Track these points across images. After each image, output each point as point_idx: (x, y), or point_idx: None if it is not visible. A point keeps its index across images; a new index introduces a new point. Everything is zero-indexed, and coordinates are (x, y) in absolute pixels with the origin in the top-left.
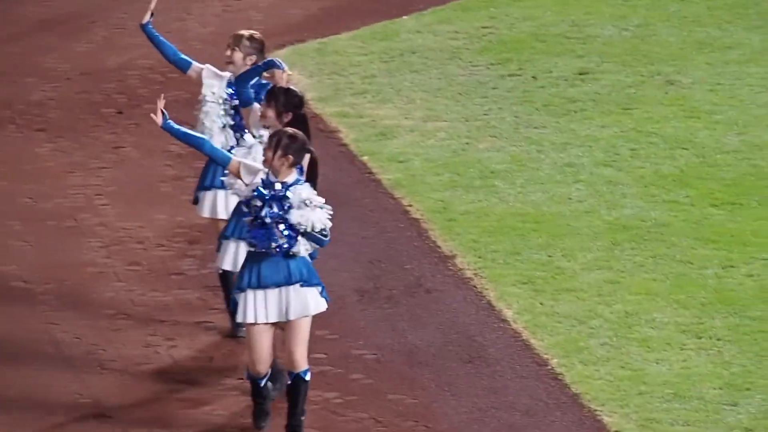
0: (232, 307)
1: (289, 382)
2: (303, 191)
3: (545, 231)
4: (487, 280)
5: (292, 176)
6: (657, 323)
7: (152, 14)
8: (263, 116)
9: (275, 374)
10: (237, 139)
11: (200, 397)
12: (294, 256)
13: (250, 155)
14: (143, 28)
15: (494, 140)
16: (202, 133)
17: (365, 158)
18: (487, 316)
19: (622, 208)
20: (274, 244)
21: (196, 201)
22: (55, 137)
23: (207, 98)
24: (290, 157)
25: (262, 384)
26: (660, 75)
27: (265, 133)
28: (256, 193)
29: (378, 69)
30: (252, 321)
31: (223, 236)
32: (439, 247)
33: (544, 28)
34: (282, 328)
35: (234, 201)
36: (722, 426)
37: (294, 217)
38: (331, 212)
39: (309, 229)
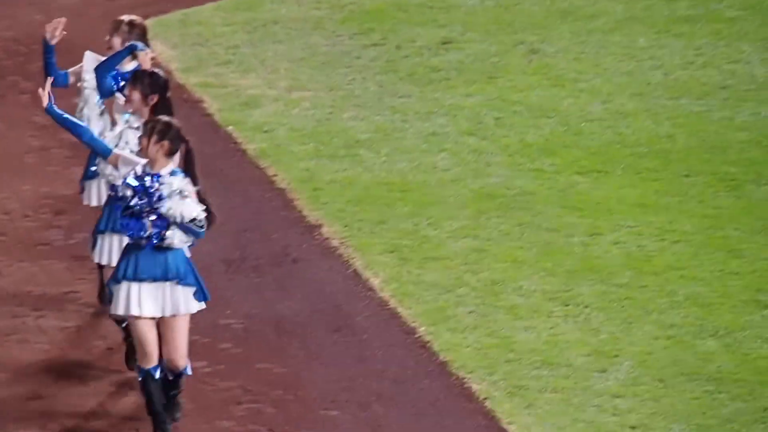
0: (109, 300)
1: (171, 378)
2: (175, 181)
3: (411, 200)
4: (353, 249)
5: (168, 167)
6: (524, 291)
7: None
8: (128, 100)
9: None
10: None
11: (69, 368)
12: (170, 248)
13: (121, 140)
14: (47, 48)
15: (359, 110)
16: (81, 119)
17: (230, 128)
18: (354, 285)
19: (487, 176)
20: (143, 234)
21: (82, 190)
22: None
23: (85, 85)
24: (165, 143)
25: (156, 375)
26: (524, 44)
27: (133, 118)
28: (126, 183)
29: (241, 39)
30: (123, 312)
31: (98, 230)
32: (305, 216)
33: None
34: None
35: None
36: (591, 392)
37: (164, 207)
38: (204, 207)
39: (178, 220)
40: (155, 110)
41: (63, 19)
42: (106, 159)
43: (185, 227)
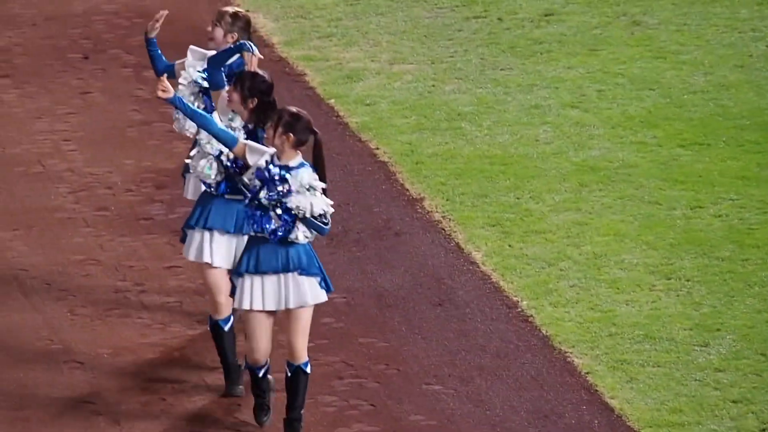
0: (232, 293)
1: (289, 374)
2: (304, 175)
3: (513, 173)
4: (455, 223)
5: (296, 159)
6: (626, 264)
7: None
8: (230, 100)
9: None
10: None
11: (170, 342)
12: (293, 243)
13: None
14: (148, 42)
15: (460, 82)
16: (175, 117)
17: (332, 101)
18: (455, 259)
19: (589, 149)
20: (269, 227)
21: (185, 182)
22: (22, 83)
23: (180, 80)
24: (291, 135)
25: (261, 374)
26: (626, 16)
27: (237, 119)
28: (256, 174)
29: (344, 12)
30: (248, 307)
31: (187, 225)
32: (407, 189)
33: None
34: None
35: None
36: (693, 367)
37: (291, 201)
38: (332, 203)
39: (307, 215)
40: (255, 113)
41: (165, 12)
42: (231, 149)
43: (310, 223)
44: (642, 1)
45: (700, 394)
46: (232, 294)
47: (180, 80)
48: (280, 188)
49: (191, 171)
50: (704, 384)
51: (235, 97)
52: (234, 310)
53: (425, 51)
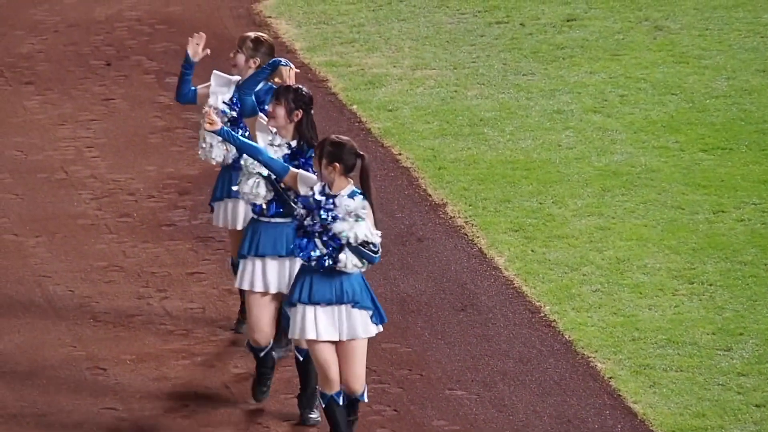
0: (284, 323)
1: (345, 402)
2: (351, 202)
3: (535, 178)
4: (478, 228)
5: (347, 188)
6: (649, 269)
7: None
8: (272, 116)
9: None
10: (238, 150)
11: (193, 348)
12: (344, 272)
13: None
14: (188, 63)
15: (483, 88)
16: (201, 146)
17: (354, 107)
18: (478, 264)
19: (612, 154)
20: (314, 254)
21: (211, 210)
22: (44, 90)
23: (207, 109)
24: (337, 164)
25: (340, 401)
26: (648, 20)
27: (277, 137)
28: (302, 202)
29: (366, 18)
30: (303, 337)
31: (240, 255)
32: (429, 195)
33: None
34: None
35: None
36: (716, 371)
37: (336, 227)
38: (378, 232)
39: (351, 242)
40: (299, 127)
41: (203, 35)
42: (282, 179)
43: (358, 251)
44: (664, 6)
45: (723, 399)
46: (286, 323)
47: (205, 109)
48: (324, 215)
49: (241, 196)
50: (727, 388)
51: (280, 111)
52: (255, 351)
53: (447, 56)
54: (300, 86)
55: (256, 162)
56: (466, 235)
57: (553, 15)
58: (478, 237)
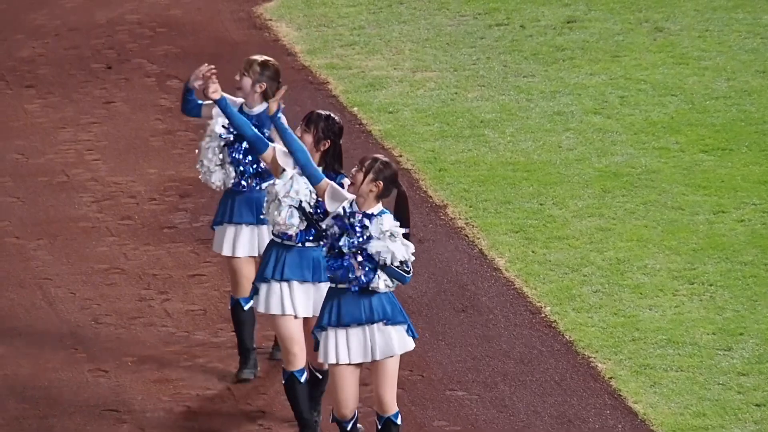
0: (315, 348)
1: (379, 427)
2: (385, 221)
3: (536, 179)
4: (478, 229)
5: (376, 208)
6: (649, 270)
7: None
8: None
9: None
10: (238, 175)
11: (194, 350)
12: (374, 292)
13: (292, 189)
14: (189, 90)
15: (483, 90)
16: (200, 169)
17: (355, 109)
18: (479, 265)
19: (612, 155)
20: (351, 276)
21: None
22: (45, 93)
23: (207, 133)
24: (380, 183)
25: (348, 428)
26: (648, 22)
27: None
28: (335, 221)
29: (366, 20)
30: (334, 361)
31: (262, 278)
32: (430, 197)
33: None
34: (368, 368)
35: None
36: (716, 371)
37: (373, 247)
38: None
39: (389, 262)
40: (325, 156)
41: (211, 67)
42: (315, 186)
43: (391, 271)
44: (664, 7)
45: (723, 398)
46: (316, 348)
47: (207, 133)
48: (360, 234)
49: (269, 224)
50: (727, 388)
51: (308, 139)
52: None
53: (448, 59)
54: (332, 114)
55: (290, 195)
56: (466, 236)
57: (553, 17)
58: (478, 238)
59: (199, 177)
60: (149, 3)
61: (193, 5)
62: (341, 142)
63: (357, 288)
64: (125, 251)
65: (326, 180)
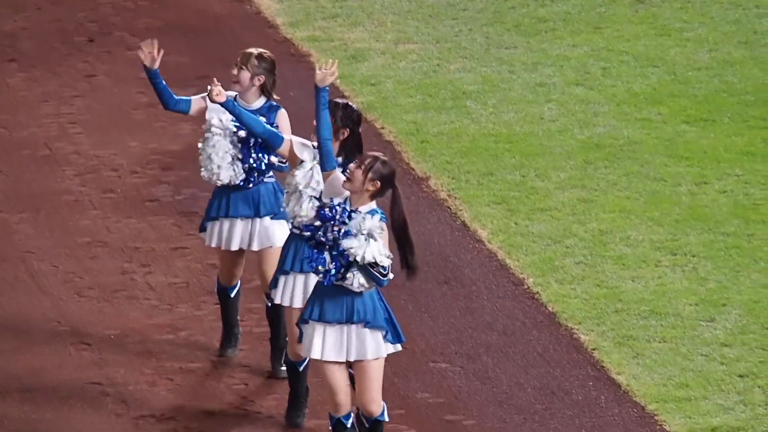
0: (299, 340)
1: (367, 426)
2: (368, 221)
3: (518, 151)
4: (461, 201)
5: (368, 206)
6: (632, 241)
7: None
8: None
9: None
10: (245, 172)
11: (177, 323)
12: (358, 293)
13: (312, 179)
14: (149, 72)
15: (465, 61)
16: (208, 167)
17: (337, 82)
18: (461, 237)
19: (594, 126)
20: (321, 268)
21: (203, 229)
22: (28, 67)
23: (212, 129)
24: (378, 183)
25: (348, 424)
26: None
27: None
28: (319, 213)
29: None
30: (307, 355)
31: (282, 270)
32: (412, 168)
33: None
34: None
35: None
36: (699, 342)
37: (346, 243)
38: (390, 255)
39: (358, 260)
40: (344, 145)
41: (154, 41)
42: (277, 148)
43: (366, 272)
44: None
45: (706, 369)
46: (300, 340)
47: (213, 129)
48: (337, 228)
49: (288, 217)
50: (710, 359)
51: None
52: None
53: (430, 30)
54: (349, 103)
55: (311, 185)
56: (449, 208)
57: None
58: (461, 210)
59: (202, 173)
60: None
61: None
62: (360, 131)
63: (328, 282)
64: (108, 224)
65: (287, 139)
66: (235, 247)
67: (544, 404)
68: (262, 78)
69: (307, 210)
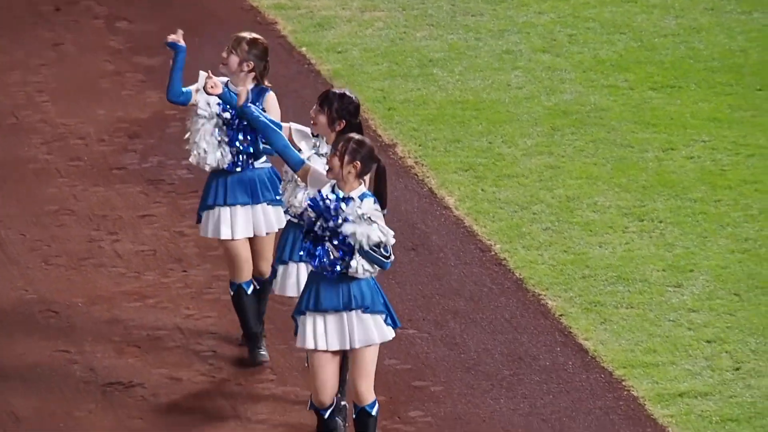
0: (295, 332)
1: (354, 416)
2: (363, 205)
3: (485, 118)
4: (428, 168)
5: (358, 189)
6: (599, 207)
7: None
8: (314, 123)
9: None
10: (233, 155)
11: (144, 291)
12: (354, 278)
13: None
14: (179, 49)
15: (432, 29)
16: (194, 151)
17: (303, 49)
18: (428, 204)
19: (561, 93)
20: (326, 260)
21: (199, 220)
22: None
23: (199, 112)
24: (358, 164)
25: (326, 415)
26: None
27: (324, 145)
28: (310, 204)
29: None
30: (312, 347)
31: (280, 260)
32: (379, 136)
33: None
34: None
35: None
36: (666, 307)
37: (346, 229)
38: (392, 234)
39: (364, 245)
40: (341, 135)
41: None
42: (296, 171)
43: (370, 256)
44: None
45: (673, 335)
46: (296, 333)
47: (199, 111)
48: (335, 218)
49: (287, 208)
50: (678, 324)
51: (321, 119)
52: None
53: None
54: (347, 93)
55: (298, 205)
56: (416, 175)
57: None
58: (428, 177)
59: (191, 159)
60: None
61: None
62: (359, 121)
63: (333, 274)
64: (75, 192)
65: (306, 164)
66: (239, 235)
67: (511, 370)
68: (251, 64)
69: (301, 200)
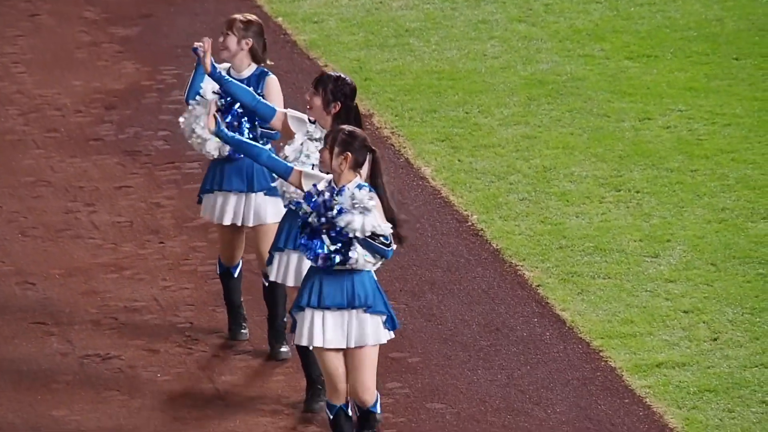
0: (292, 328)
1: (358, 415)
2: (357, 194)
3: (461, 88)
4: (404, 138)
5: (354, 180)
6: (575, 177)
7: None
8: (310, 107)
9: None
10: None
11: (121, 262)
12: (355, 271)
13: (302, 154)
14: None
15: None
16: (193, 140)
17: (279, 20)
18: (405, 174)
19: (537, 63)
20: (322, 251)
21: (199, 201)
22: None
23: (197, 99)
24: (349, 155)
25: (350, 413)
26: None
27: (318, 131)
28: (305, 198)
29: None
30: (307, 343)
31: (276, 248)
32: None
33: None
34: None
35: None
36: (643, 278)
37: (341, 220)
38: (390, 226)
39: (359, 234)
40: (337, 119)
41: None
42: (287, 179)
43: (369, 245)
44: None
45: (651, 305)
46: (293, 330)
47: (198, 99)
48: (329, 210)
49: (283, 197)
50: (655, 295)
51: (316, 102)
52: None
53: None
54: (342, 75)
55: (294, 154)
56: (392, 145)
57: None
58: (404, 147)
59: (193, 146)
60: None
61: None
62: (355, 104)
63: (331, 265)
64: (51, 164)
65: (296, 168)
66: (227, 221)
67: (488, 341)
68: (250, 41)
69: (294, 189)
